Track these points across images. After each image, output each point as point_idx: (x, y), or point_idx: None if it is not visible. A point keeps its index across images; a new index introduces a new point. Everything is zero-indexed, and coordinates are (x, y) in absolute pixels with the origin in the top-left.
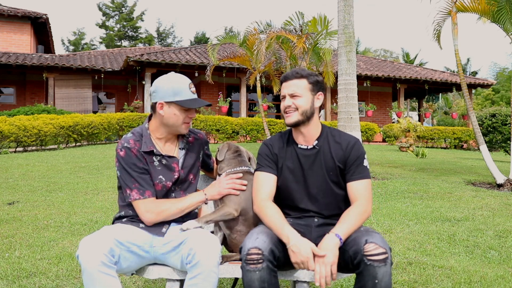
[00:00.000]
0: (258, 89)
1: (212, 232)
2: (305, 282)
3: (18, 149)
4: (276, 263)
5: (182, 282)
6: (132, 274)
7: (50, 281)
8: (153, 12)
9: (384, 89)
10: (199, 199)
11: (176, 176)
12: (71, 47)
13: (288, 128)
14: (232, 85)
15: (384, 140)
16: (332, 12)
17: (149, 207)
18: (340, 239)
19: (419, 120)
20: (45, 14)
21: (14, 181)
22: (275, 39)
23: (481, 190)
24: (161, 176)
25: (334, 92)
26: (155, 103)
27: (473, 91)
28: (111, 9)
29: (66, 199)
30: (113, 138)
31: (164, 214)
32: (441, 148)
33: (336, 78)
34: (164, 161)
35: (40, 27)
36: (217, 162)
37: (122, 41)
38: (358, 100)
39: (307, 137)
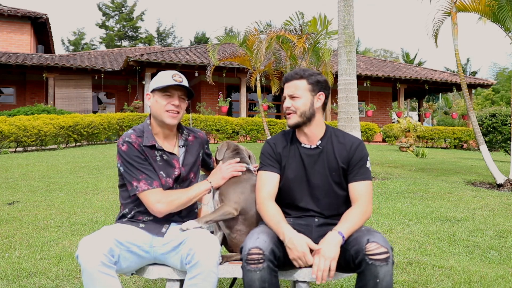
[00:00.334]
0: (258, 89)
1: (212, 232)
2: (305, 282)
3: (18, 149)
4: (277, 263)
5: (182, 282)
6: (132, 274)
7: (50, 281)
8: (153, 12)
9: (384, 89)
10: (205, 187)
11: (177, 173)
12: (71, 47)
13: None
14: (232, 85)
15: (384, 140)
16: (332, 12)
17: (159, 198)
18: (343, 236)
19: (419, 120)
20: (45, 14)
21: (14, 181)
22: (275, 39)
23: (481, 190)
24: (162, 172)
25: (334, 92)
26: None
27: (473, 91)
28: (111, 9)
29: (66, 199)
30: (113, 138)
31: (175, 204)
32: (441, 148)
33: (336, 78)
34: (165, 157)
35: (40, 27)
36: (217, 161)
37: (122, 41)
38: (358, 100)
39: (310, 137)
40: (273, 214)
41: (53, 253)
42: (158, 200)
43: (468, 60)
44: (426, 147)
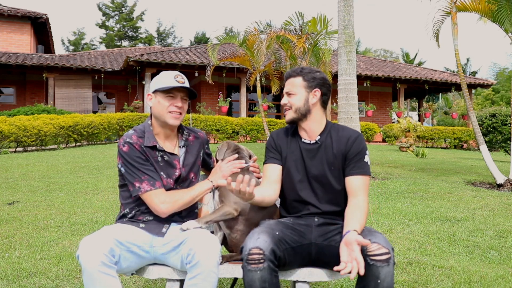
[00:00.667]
0: (258, 89)
1: (212, 232)
2: (305, 282)
3: (18, 149)
4: (277, 263)
5: (182, 282)
6: (132, 274)
7: (50, 281)
8: (153, 12)
9: (384, 89)
10: (207, 187)
11: (177, 174)
12: (71, 47)
13: None
14: (232, 85)
15: (384, 140)
16: (332, 12)
17: (163, 198)
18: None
19: (419, 120)
20: (45, 14)
21: (14, 181)
22: (275, 39)
23: (481, 190)
24: (163, 173)
25: (334, 92)
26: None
27: (473, 91)
28: (111, 9)
29: (66, 199)
30: (113, 138)
31: (179, 204)
32: (441, 148)
33: (336, 78)
34: (166, 157)
35: (40, 27)
36: (217, 161)
37: (122, 41)
38: (358, 100)
39: (309, 133)
40: (262, 187)
41: (53, 253)
42: (162, 200)
43: (468, 60)
44: (426, 147)
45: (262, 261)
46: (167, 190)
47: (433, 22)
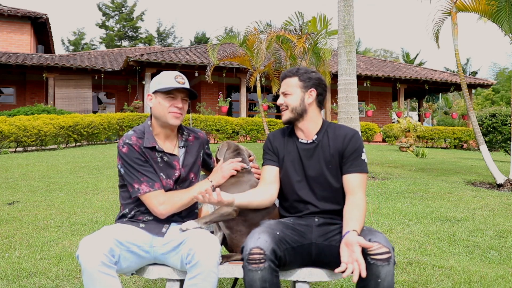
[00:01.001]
0: (258, 89)
1: (212, 232)
2: (305, 282)
3: (18, 149)
4: (278, 263)
5: (182, 282)
6: (132, 274)
7: (50, 281)
8: (153, 12)
9: (384, 89)
10: (206, 187)
11: (177, 174)
12: (71, 47)
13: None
14: (232, 85)
15: (384, 140)
16: (332, 12)
17: (162, 200)
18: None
19: (419, 120)
20: (45, 14)
21: (14, 181)
22: (275, 39)
23: (481, 190)
24: (162, 174)
25: (334, 92)
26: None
27: (473, 91)
28: (111, 9)
29: (66, 199)
30: (113, 138)
31: (178, 205)
32: (441, 148)
33: (336, 78)
34: (165, 158)
35: (40, 27)
36: (217, 161)
37: (122, 41)
38: (358, 100)
39: (306, 132)
40: (252, 190)
41: (53, 253)
42: (161, 202)
43: (468, 60)
44: (426, 147)
45: (262, 261)
46: (167, 190)
47: (433, 22)
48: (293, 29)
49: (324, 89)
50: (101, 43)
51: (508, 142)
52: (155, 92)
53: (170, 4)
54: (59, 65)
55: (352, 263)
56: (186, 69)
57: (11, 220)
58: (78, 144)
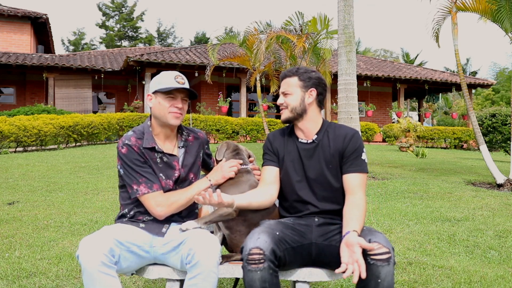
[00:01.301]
0: (258, 89)
1: (212, 232)
2: (305, 282)
3: (18, 149)
4: (278, 263)
5: (182, 282)
6: (132, 274)
7: (50, 281)
8: (153, 12)
9: (384, 89)
10: (204, 186)
11: (176, 175)
12: (71, 47)
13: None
14: (232, 85)
15: (384, 140)
16: (332, 12)
17: (159, 201)
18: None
19: (419, 120)
20: (45, 14)
21: (14, 181)
22: (275, 39)
23: (481, 190)
24: (162, 174)
25: (334, 92)
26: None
27: (473, 91)
28: (111, 9)
29: (66, 199)
30: (113, 138)
31: (175, 206)
32: (441, 148)
33: (336, 78)
34: (165, 159)
35: (40, 27)
36: (217, 161)
37: (122, 41)
38: (358, 100)
39: (306, 132)
40: (252, 191)
41: (53, 253)
42: (159, 203)
43: (468, 60)
44: (426, 147)
45: (262, 261)
46: (167, 191)
47: (433, 22)
48: (293, 29)
49: (324, 89)
50: (101, 43)
51: (508, 142)
52: (155, 92)
53: (170, 4)
54: (59, 65)
55: (352, 263)
56: (186, 69)
57: (11, 220)
58: (78, 144)
